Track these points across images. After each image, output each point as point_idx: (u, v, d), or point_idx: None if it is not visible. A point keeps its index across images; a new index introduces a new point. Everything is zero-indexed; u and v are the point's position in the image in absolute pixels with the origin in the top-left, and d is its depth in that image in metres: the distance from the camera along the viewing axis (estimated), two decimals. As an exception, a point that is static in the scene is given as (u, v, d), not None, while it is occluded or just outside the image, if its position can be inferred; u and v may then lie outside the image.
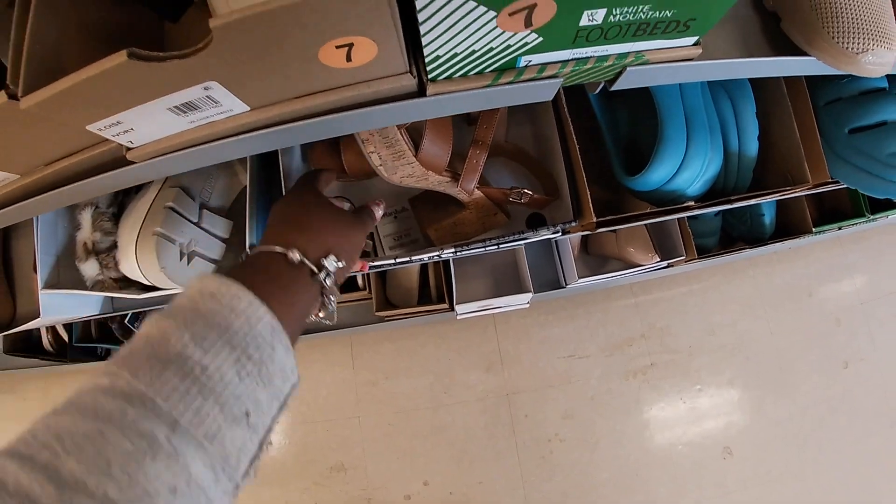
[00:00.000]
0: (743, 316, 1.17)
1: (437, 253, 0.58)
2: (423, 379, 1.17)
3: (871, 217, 0.90)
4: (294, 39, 0.26)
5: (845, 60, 0.43)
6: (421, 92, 0.32)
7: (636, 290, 1.18)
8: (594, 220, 0.56)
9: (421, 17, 0.25)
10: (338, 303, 0.89)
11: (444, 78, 0.32)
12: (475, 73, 0.32)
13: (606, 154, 0.69)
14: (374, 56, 0.28)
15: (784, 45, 0.45)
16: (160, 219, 0.58)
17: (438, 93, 0.32)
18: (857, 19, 0.43)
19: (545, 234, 0.58)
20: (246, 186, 0.64)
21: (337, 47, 0.27)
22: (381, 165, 0.47)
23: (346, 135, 0.44)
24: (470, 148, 0.53)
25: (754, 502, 1.09)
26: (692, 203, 0.62)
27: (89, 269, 0.69)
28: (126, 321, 1.03)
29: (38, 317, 0.73)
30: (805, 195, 0.76)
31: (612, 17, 0.28)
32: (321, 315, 0.37)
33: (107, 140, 0.38)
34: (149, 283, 0.61)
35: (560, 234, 0.59)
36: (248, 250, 0.36)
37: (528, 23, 0.27)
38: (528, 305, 0.95)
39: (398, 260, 0.57)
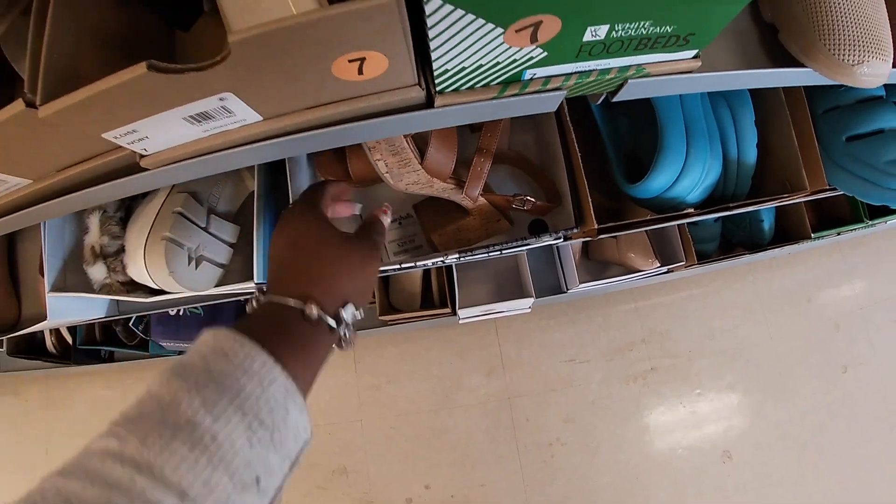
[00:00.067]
0: (743, 321, 1.18)
1: (441, 259, 0.59)
2: (425, 383, 1.17)
3: (870, 223, 0.90)
4: (309, 54, 0.27)
5: (841, 72, 0.44)
6: (429, 103, 0.33)
7: (636, 295, 1.18)
8: (595, 226, 0.57)
9: (431, 33, 0.26)
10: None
11: (452, 90, 0.33)
12: (481, 86, 0.33)
13: (607, 161, 0.70)
14: (384, 69, 0.29)
15: (781, 56, 0.46)
16: (169, 224, 0.59)
17: (446, 105, 0.33)
18: (853, 32, 0.44)
19: (547, 241, 0.59)
20: (252, 192, 0.65)
21: (349, 61, 0.28)
22: (387, 173, 0.49)
23: (353, 143, 0.45)
24: (474, 156, 0.55)
25: (754, 506, 1.10)
26: (692, 210, 0.63)
27: (97, 272, 0.70)
28: (130, 324, 1.04)
29: (44, 319, 0.74)
30: (803, 202, 0.77)
31: (614, 32, 0.29)
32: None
33: (120, 147, 0.39)
34: (157, 287, 0.62)
35: (562, 240, 0.60)
36: (259, 295, 0.33)
37: (533, 39, 0.28)
38: (529, 310, 0.96)
39: (403, 265, 0.58)
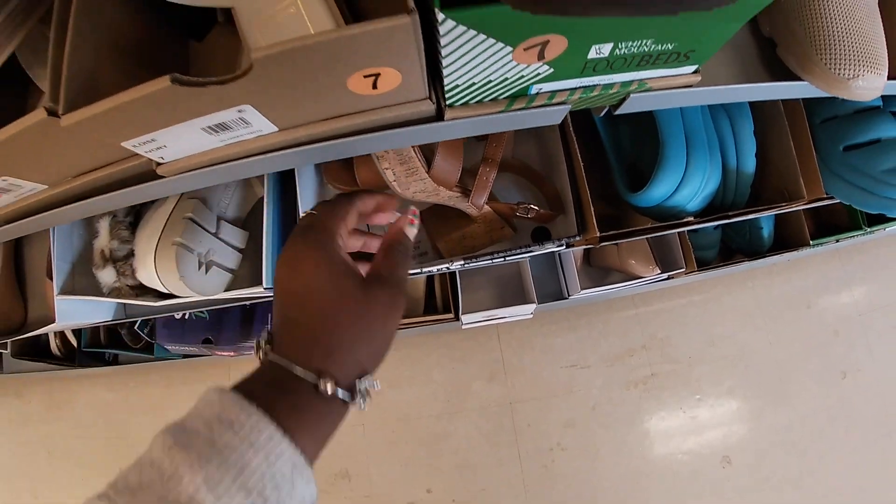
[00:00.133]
0: (742, 327, 1.19)
1: (446, 265, 0.60)
2: (426, 388, 1.18)
3: (868, 230, 0.91)
4: (327, 70, 0.28)
5: (837, 86, 0.45)
6: (439, 116, 0.35)
7: (637, 301, 1.20)
8: (598, 234, 0.58)
9: (444, 52, 0.27)
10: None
11: (461, 104, 0.34)
12: (490, 100, 0.34)
13: (609, 170, 0.71)
14: (397, 84, 0.30)
15: (779, 70, 0.47)
16: (180, 229, 0.60)
17: (455, 118, 0.34)
18: (849, 47, 0.45)
19: (550, 248, 0.60)
20: (261, 197, 0.67)
21: (364, 76, 0.29)
22: (394, 181, 0.50)
23: (362, 152, 0.46)
24: (480, 165, 0.56)
25: (753, 511, 1.10)
26: (692, 219, 0.64)
27: (106, 276, 0.70)
28: (136, 327, 1.05)
29: (50, 321, 0.75)
30: (802, 210, 0.78)
31: (617, 50, 0.31)
32: None
33: (137, 155, 0.40)
34: (166, 291, 0.63)
35: (564, 247, 0.62)
36: (266, 347, 0.30)
37: (541, 56, 0.29)
38: (531, 316, 0.97)
39: (409, 272, 0.59)
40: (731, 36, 0.33)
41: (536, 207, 0.61)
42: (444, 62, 0.28)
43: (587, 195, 0.60)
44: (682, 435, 1.14)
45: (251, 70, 0.27)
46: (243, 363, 1.22)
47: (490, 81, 0.31)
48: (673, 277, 0.89)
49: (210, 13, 0.47)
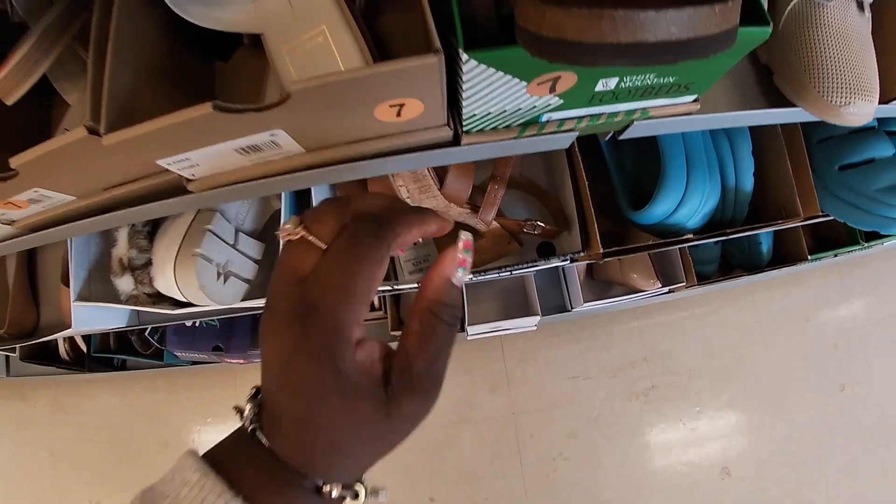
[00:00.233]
0: (742, 340, 1.21)
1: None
2: (434, 406, 1.20)
3: (866, 245, 0.92)
4: (357, 101, 0.30)
5: (829, 113, 0.48)
6: (456, 141, 0.37)
7: (639, 314, 1.21)
8: (601, 251, 0.61)
9: (464, 87, 0.30)
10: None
11: (477, 130, 0.37)
12: (503, 127, 0.37)
13: (612, 187, 0.74)
14: (420, 113, 0.33)
15: (775, 96, 0.49)
16: (199, 240, 0.62)
17: (471, 143, 0.37)
18: (841, 76, 0.47)
19: (555, 263, 0.62)
20: (277, 210, 0.69)
21: (390, 106, 0.32)
22: (408, 198, 0.52)
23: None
24: (489, 184, 0.58)
25: (752, 522, 1.11)
26: (691, 236, 0.66)
27: (124, 284, 0.73)
28: (146, 333, 1.06)
29: (63, 326, 0.76)
30: (800, 226, 0.80)
31: (622, 83, 0.33)
32: None
33: (168, 171, 0.42)
34: (184, 300, 0.65)
35: (569, 262, 0.64)
36: (252, 421, 0.24)
37: (552, 90, 0.32)
38: (535, 328, 0.99)
39: (419, 285, 0.61)
40: (728, 70, 0.35)
41: (543, 224, 0.63)
42: (464, 95, 0.31)
43: (591, 212, 0.62)
44: (682, 446, 1.16)
45: (288, 99, 0.30)
46: (250, 371, 1.23)
47: (504, 111, 0.34)
48: (674, 291, 0.91)
49: (236, 35, 0.49)
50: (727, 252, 0.98)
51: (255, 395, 0.25)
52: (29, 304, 0.95)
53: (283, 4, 0.41)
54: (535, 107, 0.34)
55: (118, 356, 1.16)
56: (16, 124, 0.49)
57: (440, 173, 0.53)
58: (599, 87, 0.33)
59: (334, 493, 0.23)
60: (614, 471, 1.15)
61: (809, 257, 0.88)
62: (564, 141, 0.39)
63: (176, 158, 0.39)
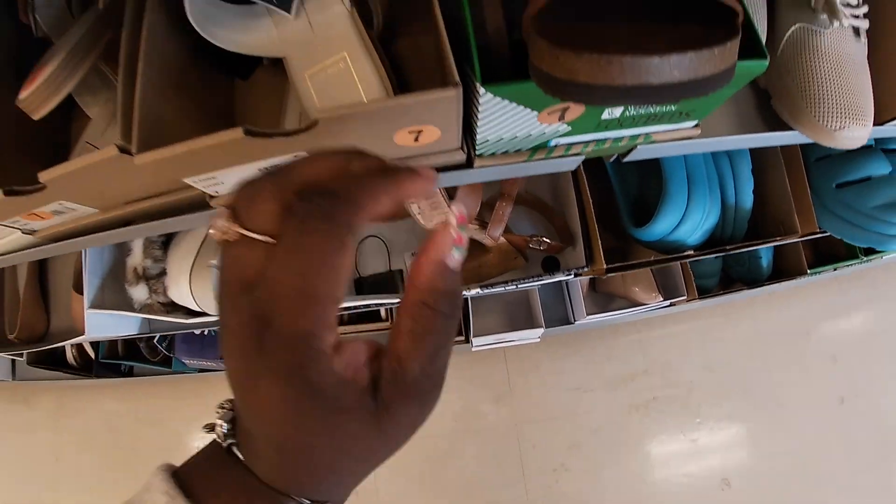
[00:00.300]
0: (742, 352, 1.22)
1: (464, 292, 0.64)
2: (435, 407, 1.21)
3: (865, 259, 0.94)
4: (379, 128, 0.33)
5: (824, 136, 0.49)
6: (469, 164, 0.39)
7: (640, 326, 1.22)
8: (604, 266, 0.63)
9: (479, 117, 0.32)
10: (359, 332, 0.89)
11: (489, 154, 0.39)
12: (514, 151, 0.39)
13: (615, 204, 0.75)
14: (436, 138, 0.35)
15: (773, 119, 0.51)
16: (214, 252, 0.64)
17: (483, 165, 0.39)
18: (836, 101, 0.49)
19: (560, 277, 0.64)
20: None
21: (409, 132, 0.34)
22: (418, 214, 0.54)
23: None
24: (497, 201, 0.60)
25: (752, 534, 1.12)
26: (692, 252, 0.68)
27: (139, 292, 0.74)
28: (154, 341, 1.08)
29: (73, 333, 0.78)
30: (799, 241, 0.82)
31: (627, 112, 0.35)
32: None
33: (192, 187, 0.44)
34: (198, 310, 0.67)
35: (573, 276, 0.66)
36: (227, 438, 0.21)
37: (561, 118, 0.34)
38: (538, 340, 1.00)
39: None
40: (725, 100, 0.37)
41: (548, 241, 0.65)
42: (479, 122, 0.33)
43: (595, 229, 0.64)
44: (682, 458, 1.16)
45: (315, 126, 0.32)
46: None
47: (516, 137, 0.36)
48: (675, 304, 0.93)
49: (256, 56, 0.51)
50: (728, 266, 1.00)
51: (229, 409, 0.22)
52: (39, 310, 0.97)
53: (306, 30, 0.43)
54: (544, 133, 0.36)
55: (126, 362, 1.17)
56: (35, 133, 0.49)
57: (450, 190, 0.55)
58: (605, 115, 0.35)
59: None
60: (615, 481, 1.16)
61: (809, 271, 0.90)
62: (571, 164, 0.41)
63: (203, 177, 0.40)
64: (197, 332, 1.00)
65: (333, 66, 0.41)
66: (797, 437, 1.16)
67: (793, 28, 0.50)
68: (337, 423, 0.19)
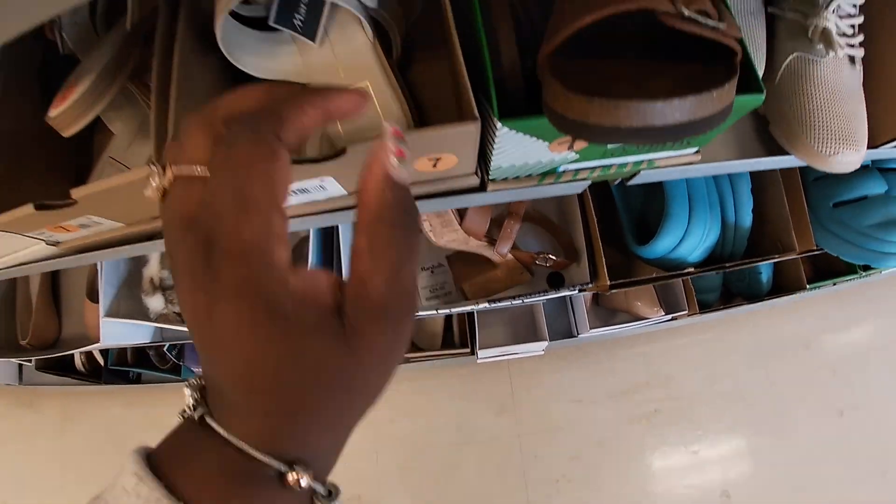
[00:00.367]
0: (743, 365, 1.23)
1: (472, 306, 0.66)
2: (438, 419, 1.22)
3: (864, 273, 0.95)
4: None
5: (819, 160, 0.51)
6: (482, 188, 0.42)
7: (643, 339, 1.24)
8: (608, 283, 0.65)
9: (495, 148, 0.34)
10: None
11: (502, 179, 0.41)
12: (525, 177, 0.41)
13: (618, 222, 0.78)
14: (453, 164, 0.37)
15: (770, 144, 0.53)
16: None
17: (496, 189, 0.41)
18: (831, 129, 0.50)
19: (564, 293, 0.66)
20: (303, 237, 0.73)
21: (428, 159, 0.36)
22: (430, 230, 0.56)
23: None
24: (505, 219, 0.63)
25: (752, 546, 1.13)
26: (692, 269, 0.70)
27: (155, 302, 0.76)
28: (164, 349, 1.09)
29: (86, 340, 0.79)
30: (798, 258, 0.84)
31: (632, 142, 0.38)
32: None
33: None
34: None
35: (577, 292, 0.68)
36: (197, 403, 0.20)
37: (570, 147, 0.36)
38: (542, 353, 1.02)
39: (439, 311, 0.65)
40: (724, 130, 0.40)
41: (554, 258, 0.67)
42: (494, 152, 0.35)
43: (599, 247, 0.66)
44: (683, 469, 1.17)
45: (343, 154, 0.34)
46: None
47: (527, 164, 0.38)
48: (676, 319, 0.94)
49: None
50: (728, 281, 1.02)
51: (197, 380, 0.21)
52: (52, 317, 0.98)
53: (329, 59, 0.45)
54: (553, 160, 0.38)
55: (135, 370, 1.18)
56: (57, 145, 0.50)
57: (461, 209, 0.57)
58: (611, 144, 0.37)
59: (303, 482, 0.18)
60: (616, 493, 1.17)
61: (808, 286, 0.91)
62: (578, 188, 0.43)
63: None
64: (207, 341, 1.01)
65: (355, 93, 0.44)
66: (797, 449, 1.17)
67: (791, 57, 0.52)
68: (303, 346, 0.18)
